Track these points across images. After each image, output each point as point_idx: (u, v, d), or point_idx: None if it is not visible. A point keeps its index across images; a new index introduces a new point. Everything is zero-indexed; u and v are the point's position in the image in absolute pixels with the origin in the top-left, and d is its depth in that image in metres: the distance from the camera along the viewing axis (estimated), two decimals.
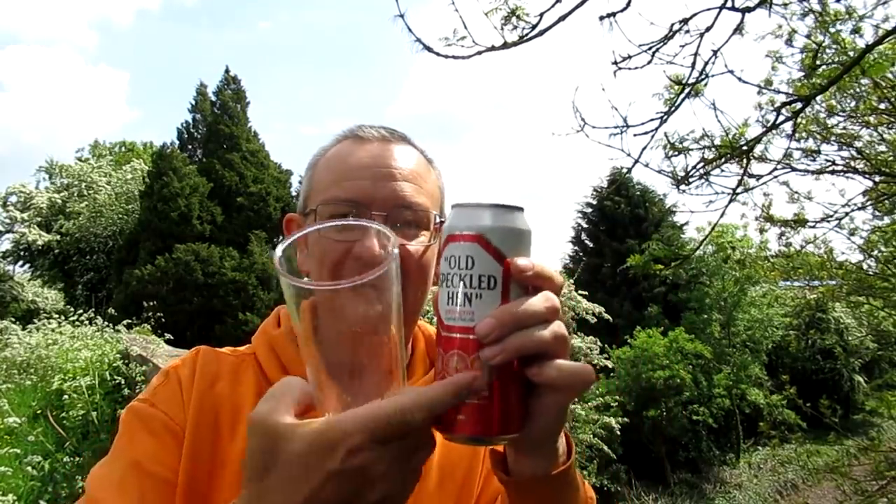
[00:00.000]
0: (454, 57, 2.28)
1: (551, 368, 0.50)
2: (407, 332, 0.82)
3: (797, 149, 4.37)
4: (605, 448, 11.26)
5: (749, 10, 2.58)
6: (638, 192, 21.00)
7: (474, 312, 0.50)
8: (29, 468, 4.85)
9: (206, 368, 0.79)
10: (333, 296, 0.50)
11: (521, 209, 0.55)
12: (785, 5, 3.42)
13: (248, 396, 0.78)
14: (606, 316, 12.62)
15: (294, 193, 15.80)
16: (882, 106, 4.18)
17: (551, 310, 0.51)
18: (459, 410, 0.51)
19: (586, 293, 12.78)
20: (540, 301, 0.51)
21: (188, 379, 0.78)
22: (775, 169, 3.86)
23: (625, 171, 3.71)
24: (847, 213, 4.69)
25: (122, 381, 6.20)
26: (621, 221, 20.53)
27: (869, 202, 4.76)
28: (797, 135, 4.13)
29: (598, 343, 12.37)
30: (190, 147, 16.67)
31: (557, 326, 0.51)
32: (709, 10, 2.60)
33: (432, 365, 0.85)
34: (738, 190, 3.44)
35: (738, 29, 2.74)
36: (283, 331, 0.82)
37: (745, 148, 3.30)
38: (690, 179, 3.45)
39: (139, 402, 0.78)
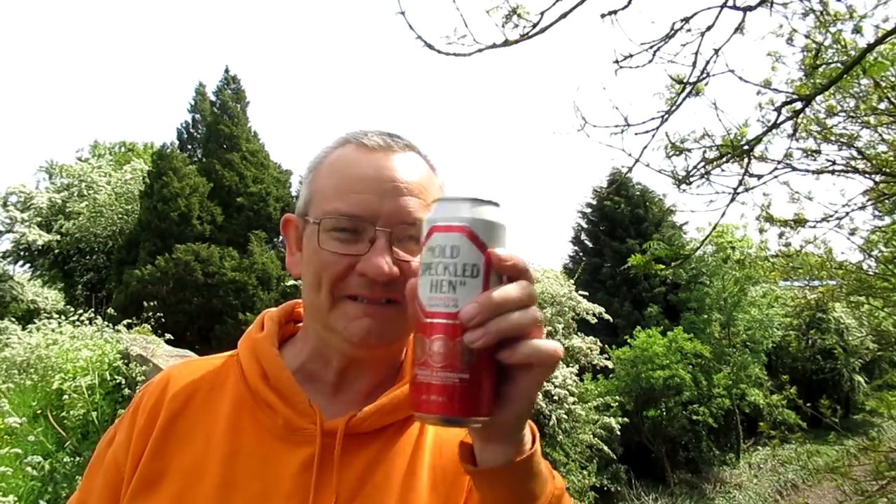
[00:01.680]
0: (455, 54, 2.28)
1: (525, 346, 0.53)
2: (406, 340, 0.81)
3: (797, 149, 4.37)
4: (605, 448, 11.27)
5: (750, 9, 2.58)
6: (638, 192, 21.00)
7: (458, 299, 0.54)
8: (29, 468, 4.84)
9: (176, 394, 0.78)
10: None
11: (498, 204, 0.58)
12: (785, 5, 3.42)
13: (226, 402, 0.77)
14: (606, 316, 12.64)
15: (294, 193, 15.79)
16: (882, 106, 4.18)
17: (529, 296, 0.54)
18: (434, 391, 0.54)
19: (586, 293, 12.80)
20: (518, 288, 0.54)
21: (149, 413, 0.77)
22: (776, 169, 3.86)
23: (625, 170, 3.71)
24: (847, 213, 4.69)
25: (123, 381, 6.19)
26: (621, 221, 20.52)
27: (869, 202, 4.76)
28: (797, 134, 4.12)
29: (598, 343, 12.38)
30: (190, 147, 16.66)
31: (533, 311, 0.55)
32: (710, 8, 2.60)
33: None
34: (739, 190, 3.44)
35: (739, 28, 2.73)
36: (265, 335, 0.80)
37: (745, 147, 3.29)
38: (691, 179, 3.45)
39: (110, 431, 0.81)
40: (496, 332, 0.52)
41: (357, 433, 0.74)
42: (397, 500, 0.73)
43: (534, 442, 0.61)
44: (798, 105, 3.03)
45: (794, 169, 4.32)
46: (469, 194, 0.56)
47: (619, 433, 11.73)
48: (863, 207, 4.73)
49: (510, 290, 0.53)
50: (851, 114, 4.40)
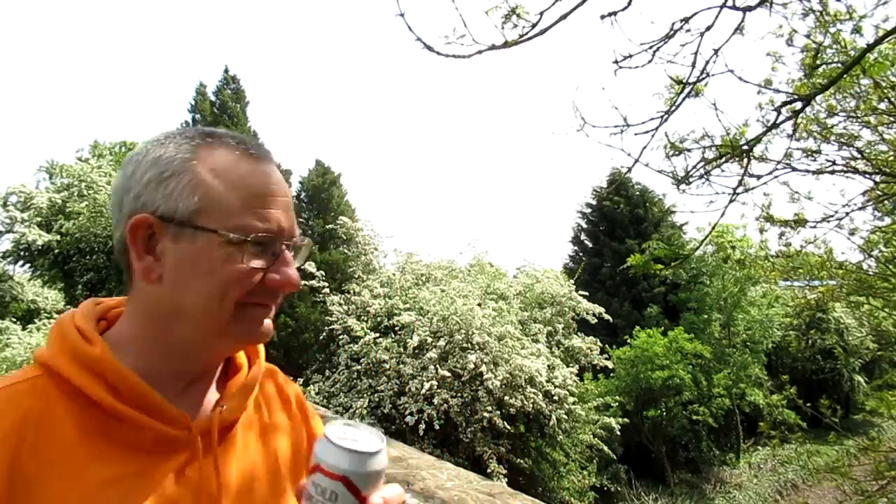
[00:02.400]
0: (454, 56, 2.28)
1: None
2: None
3: (797, 149, 4.37)
4: (605, 448, 11.27)
5: (750, 9, 2.58)
6: (638, 192, 21.01)
7: None
8: None
9: (2, 438, 0.64)
10: None
11: (380, 451, 0.65)
12: (785, 5, 3.42)
13: (69, 430, 0.66)
14: (606, 316, 12.64)
15: (294, 193, 15.80)
16: (882, 106, 4.18)
17: None
18: None
19: (586, 293, 12.80)
20: None
21: None
22: (775, 169, 3.86)
23: (625, 170, 3.70)
24: (847, 213, 4.69)
25: None
26: (621, 221, 20.53)
27: (869, 202, 4.76)
28: (797, 135, 4.13)
29: (598, 343, 12.38)
30: None
31: None
32: (709, 9, 2.60)
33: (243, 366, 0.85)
34: (739, 190, 3.43)
35: (739, 28, 2.73)
36: (102, 349, 0.70)
37: (745, 148, 3.29)
38: (691, 179, 3.45)
39: None
40: None
41: (222, 427, 0.77)
42: (271, 479, 0.80)
43: None
44: (798, 105, 3.03)
45: (793, 169, 4.32)
46: (352, 445, 0.64)
47: (619, 433, 11.74)
48: (863, 207, 4.74)
49: None
50: (851, 114, 4.40)
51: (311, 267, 10.79)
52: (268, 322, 0.76)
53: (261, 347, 0.86)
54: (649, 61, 2.71)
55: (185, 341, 0.73)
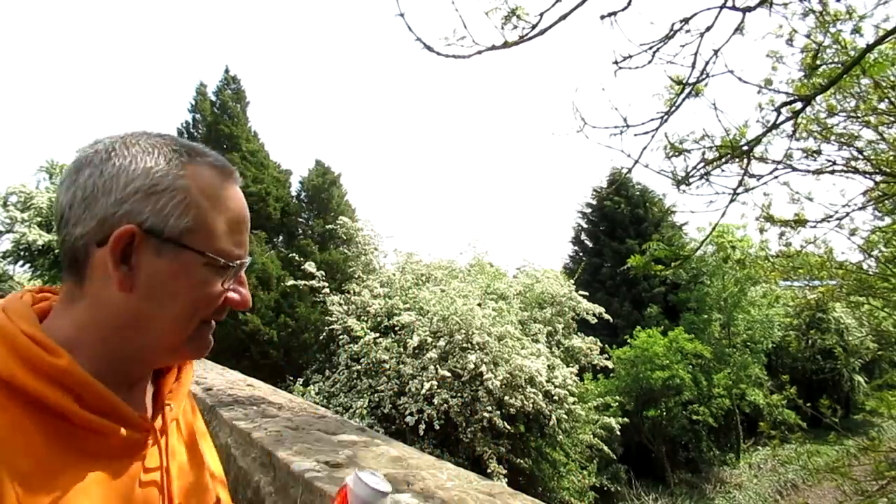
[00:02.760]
0: (454, 56, 2.28)
1: None
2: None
3: (797, 149, 4.38)
4: (605, 448, 11.27)
5: (750, 9, 2.58)
6: (638, 193, 21.01)
7: None
8: None
9: None
10: None
11: (388, 493, 0.90)
12: (785, 5, 3.42)
13: (37, 445, 0.64)
14: (606, 316, 12.65)
15: (294, 193, 15.78)
16: (882, 106, 4.18)
17: None
18: None
19: (586, 293, 12.80)
20: None
21: None
22: (776, 169, 3.86)
23: (625, 171, 3.70)
24: (847, 214, 4.69)
25: None
26: (621, 221, 20.53)
27: (869, 202, 4.76)
28: (797, 135, 4.13)
29: (598, 343, 12.39)
30: None
31: None
32: (709, 9, 2.60)
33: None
34: (739, 190, 3.43)
35: (739, 29, 2.74)
36: (66, 359, 0.68)
37: (745, 148, 3.29)
38: (691, 180, 3.45)
39: None
40: None
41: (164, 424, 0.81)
42: (202, 468, 0.88)
43: None
44: (798, 105, 3.03)
45: (794, 169, 4.32)
46: (377, 484, 0.88)
47: (619, 433, 11.74)
48: (863, 207, 4.74)
49: None
50: (851, 114, 4.40)
51: (311, 267, 10.79)
52: (209, 339, 0.79)
53: None
54: (649, 62, 2.71)
55: (141, 350, 0.74)
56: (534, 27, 2.37)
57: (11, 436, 0.63)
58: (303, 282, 10.80)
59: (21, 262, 15.59)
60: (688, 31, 2.67)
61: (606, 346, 13.44)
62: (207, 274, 0.73)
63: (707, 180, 3.45)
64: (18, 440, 0.63)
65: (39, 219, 14.96)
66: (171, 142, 0.76)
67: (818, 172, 4.53)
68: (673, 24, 2.66)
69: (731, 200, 3.44)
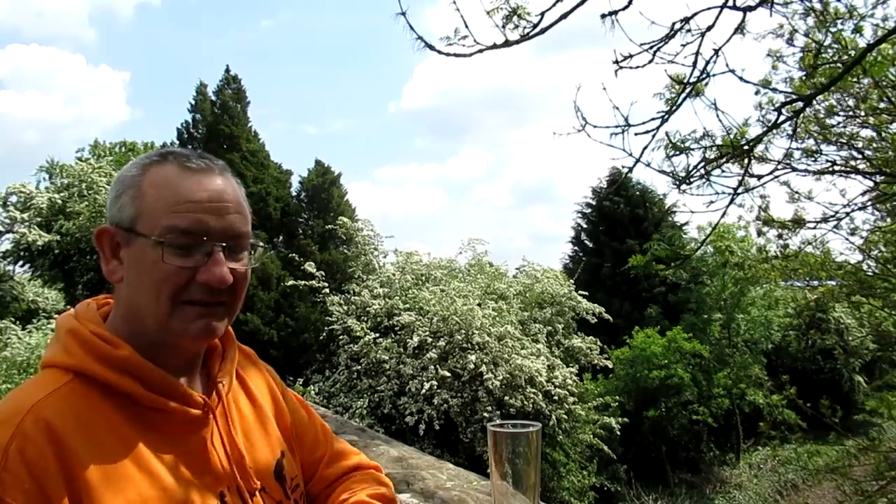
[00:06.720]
0: (456, 55, 2.28)
1: None
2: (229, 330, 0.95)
3: (797, 149, 4.38)
4: (605, 448, 11.27)
5: (750, 8, 2.58)
6: (638, 192, 20.99)
7: None
8: None
9: (67, 437, 0.72)
10: None
11: None
12: (786, 4, 3.42)
13: (115, 424, 0.76)
14: (606, 316, 12.64)
15: (294, 193, 15.77)
16: (882, 105, 4.18)
17: None
18: None
19: (586, 293, 12.79)
20: None
21: (47, 468, 0.69)
22: (776, 169, 3.86)
23: (625, 170, 3.70)
24: (847, 214, 4.69)
25: None
26: (621, 221, 20.51)
27: (869, 202, 4.76)
28: (798, 135, 4.13)
29: (598, 343, 12.38)
30: (190, 147, 16.58)
31: None
32: (710, 9, 2.60)
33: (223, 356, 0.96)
34: (739, 190, 3.43)
35: (740, 28, 2.73)
36: (127, 349, 0.79)
37: (745, 148, 3.29)
38: (691, 179, 3.45)
39: None
40: None
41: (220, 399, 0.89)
42: (262, 425, 0.95)
43: None
44: (798, 105, 3.03)
45: (794, 169, 4.32)
46: None
47: (619, 433, 11.73)
48: (863, 207, 4.74)
49: None
50: (851, 114, 4.40)
51: (311, 267, 10.79)
52: (207, 322, 0.82)
53: (230, 329, 0.96)
54: (650, 61, 2.71)
55: (152, 333, 0.82)
56: (535, 26, 2.37)
57: (96, 417, 0.75)
58: (303, 282, 10.80)
59: (21, 262, 15.58)
60: (688, 31, 2.67)
61: (606, 346, 13.44)
62: (157, 253, 0.78)
63: (707, 180, 3.45)
64: (101, 421, 0.75)
65: (39, 219, 14.95)
66: (150, 153, 0.86)
67: (818, 173, 4.54)
68: (673, 24, 2.65)
69: (731, 200, 3.44)
